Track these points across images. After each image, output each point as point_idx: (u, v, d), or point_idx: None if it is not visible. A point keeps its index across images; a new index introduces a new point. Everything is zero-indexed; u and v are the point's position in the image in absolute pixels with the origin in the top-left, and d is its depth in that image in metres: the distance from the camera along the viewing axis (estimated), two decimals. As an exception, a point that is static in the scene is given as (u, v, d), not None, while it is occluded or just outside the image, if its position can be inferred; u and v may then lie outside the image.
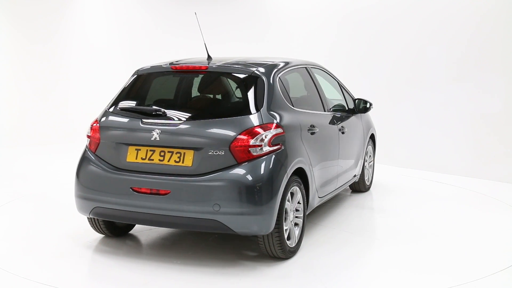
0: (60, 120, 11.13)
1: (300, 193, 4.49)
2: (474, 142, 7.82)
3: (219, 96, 4.76)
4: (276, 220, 4.10)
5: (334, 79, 6.10)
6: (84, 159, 4.49)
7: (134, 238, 4.97)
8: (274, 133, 4.16)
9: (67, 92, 11.48)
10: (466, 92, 7.85)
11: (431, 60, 8.19)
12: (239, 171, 3.98)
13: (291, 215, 4.37)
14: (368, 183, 6.76)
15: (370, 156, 6.76)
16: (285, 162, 4.19)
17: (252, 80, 4.41)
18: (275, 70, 4.65)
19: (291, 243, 4.38)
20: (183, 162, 4.09)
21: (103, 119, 4.54)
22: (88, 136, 4.54)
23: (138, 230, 5.13)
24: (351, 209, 6.01)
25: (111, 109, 4.59)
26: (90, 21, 11.74)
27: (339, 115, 5.64)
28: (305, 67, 5.41)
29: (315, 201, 4.92)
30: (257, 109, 4.22)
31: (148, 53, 10.90)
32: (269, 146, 4.10)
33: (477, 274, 4.14)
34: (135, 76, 4.79)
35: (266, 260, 4.37)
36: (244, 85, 4.44)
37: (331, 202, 6.20)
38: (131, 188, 4.16)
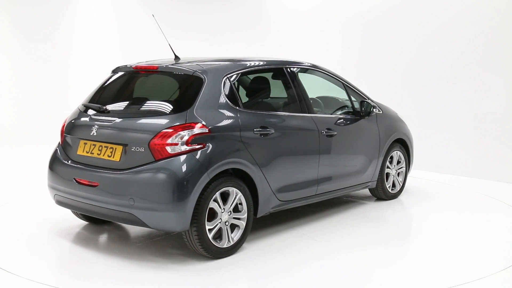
0: (60, 120, 11.07)
1: (240, 195, 4.43)
2: (474, 142, 7.82)
3: (158, 95, 4.81)
4: (196, 219, 4.12)
5: (339, 80, 5.81)
6: (54, 152, 4.89)
7: (118, 227, 5.21)
8: (194, 132, 4.18)
9: (67, 92, 11.48)
10: (466, 92, 7.84)
11: (431, 60, 8.18)
12: (153, 167, 4.10)
13: (224, 216, 4.34)
14: (392, 191, 6.36)
15: (399, 162, 6.42)
16: (207, 161, 4.17)
17: (191, 80, 4.50)
18: (222, 70, 4.64)
19: (222, 244, 4.35)
20: (113, 157, 4.31)
21: (71, 115, 4.89)
22: (60, 131, 4.91)
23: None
24: (351, 216, 5.69)
25: (79, 106, 4.92)
26: (90, 21, 11.75)
27: (327, 117, 5.43)
28: (283, 68, 5.23)
29: (270, 204, 4.78)
30: (185, 109, 4.28)
31: (148, 53, 10.88)
32: (187, 145, 4.14)
33: (477, 274, 4.14)
34: (109, 75, 5.07)
35: (202, 259, 4.36)
36: (183, 84, 4.57)
37: (334, 208, 6.02)
38: (74, 179, 4.48)
